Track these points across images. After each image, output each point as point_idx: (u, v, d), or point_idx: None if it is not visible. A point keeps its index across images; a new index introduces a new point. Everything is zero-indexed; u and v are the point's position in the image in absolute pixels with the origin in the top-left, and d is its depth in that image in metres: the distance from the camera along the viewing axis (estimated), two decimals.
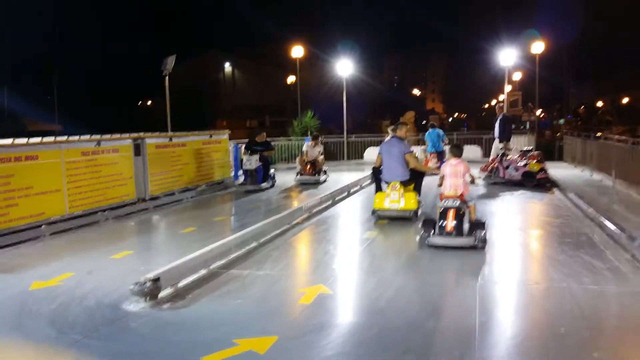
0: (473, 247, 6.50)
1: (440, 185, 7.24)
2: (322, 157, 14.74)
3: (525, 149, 14.38)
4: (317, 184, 13.75)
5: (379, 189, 9.09)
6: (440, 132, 16.15)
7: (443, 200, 6.91)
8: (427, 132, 16.19)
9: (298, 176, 14.05)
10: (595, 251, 6.43)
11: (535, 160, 12.55)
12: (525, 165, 12.41)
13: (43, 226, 8.18)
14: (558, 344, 3.91)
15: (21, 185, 8.04)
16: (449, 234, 6.65)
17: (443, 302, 4.78)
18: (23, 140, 8.39)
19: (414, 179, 8.82)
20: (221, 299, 5.05)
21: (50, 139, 9.13)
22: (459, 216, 6.70)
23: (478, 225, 6.72)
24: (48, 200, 8.48)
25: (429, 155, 15.75)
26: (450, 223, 6.66)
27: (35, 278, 5.84)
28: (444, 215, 6.76)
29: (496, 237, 7.45)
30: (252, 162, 12.64)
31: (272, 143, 15.67)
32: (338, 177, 15.11)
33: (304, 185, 13.64)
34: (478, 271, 5.70)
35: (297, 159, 15.06)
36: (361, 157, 21.11)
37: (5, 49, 36.30)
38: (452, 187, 7.03)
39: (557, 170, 14.38)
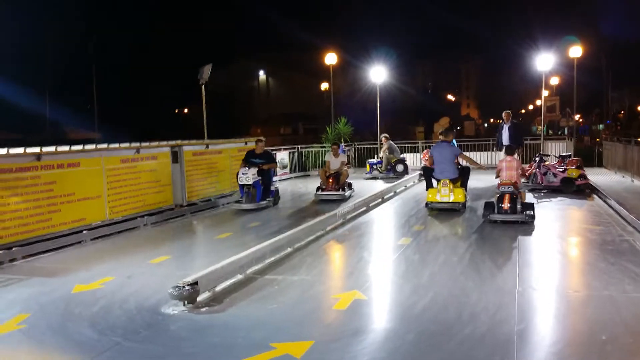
0: (524, 222, 8.46)
1: (497, 177, 9.38)
2: (346, 168, 12.57)
3: (563, 154, 14.11)
4: (340, 200, 11.52)
5: (429, 185, 10.44)
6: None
7: (501, 187, 8.80)
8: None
9: (318, 191, 12.08)
10: (638, 258, 6.26)
11: (574, 166, 12.29)
12: (564, 171, 12.17)
13: (84, 231, 8.41)
14: (599, 351, 3.83)
15: (63, 191, 8.29)
16: (505, 212, 8.56)
17: (481, 309, 4.72)
18: (66, 148, 8.66)
19: (461, 177, 10.22)
20: (257, 303, 5.10)
21: (92, 146, 9.40)
22: (513, 199, 8.65)
23: (528, 206, 8.74)
24: (89, 206, 8.72)
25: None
26: (506, 204, 8.59)
27: (77, 282, 6.01)
28: (501, 198, 8.71)
29: (535, 244, 7.36)
30: (248, 176, 10.85)
31: (305, 149, 15.48)
32: (372, 183, 15.09)
33: (323, 203, 11.50)
34: (517, 278, 5.62)
35: (319, 172, 13.02)
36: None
37: (45, 58, 37.50)
38: (507, 177, 9.08)
39: (596, 176, 14.05)
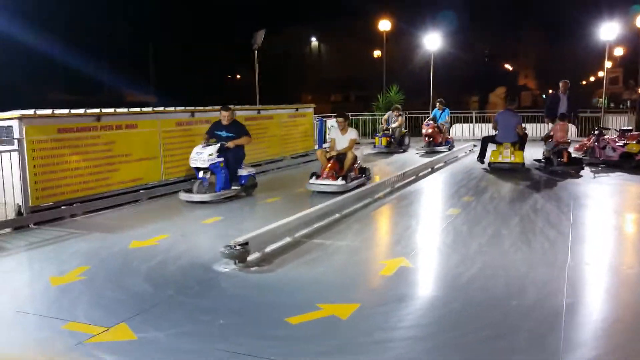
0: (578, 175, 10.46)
1: (546, 140, 11.76)
2: (359, 151, 10.09)
3: (624, 128, 13.54)
4: (341, 193, 8.30)
5: (482, 155, 11.97)
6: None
7: (558, 145, 11.04)
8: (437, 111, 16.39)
9: (311, 179, 9.06)
10: None
11: (635, 141, 11.79)
12: (623, 145, 11.70)
13: (141, 190, 8.73)
14: None
15: (122, 151, 8.60)
16: (565, 164, 10.80)
17: (529, 281, 4.67)
18: (124, 110, 8.95)
19: (520, 142, 11.61)
20: (305, 266, 5.21)
21: (149, 109, 9.66)
22: (569, 153, 11.02)
23: (577, 160, 11.22)
24: (146, 166, 9.02)
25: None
26: (565, 157, 10.87)
27: (134, 238, 6.29)
28: (560, 153, 10.97)
29: (590, 219, 7.17)
30: (203, 156, 8.22)
31: (355, 118, 14.90)
32: (407, 157, 14.96)
33: (318, 196, 8.65)
34: (568, 252, 5.51)
35: (317, 153, 9.94)
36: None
37: (104, 24, 38.37)
38: (562, 137, 11.26)
39: None
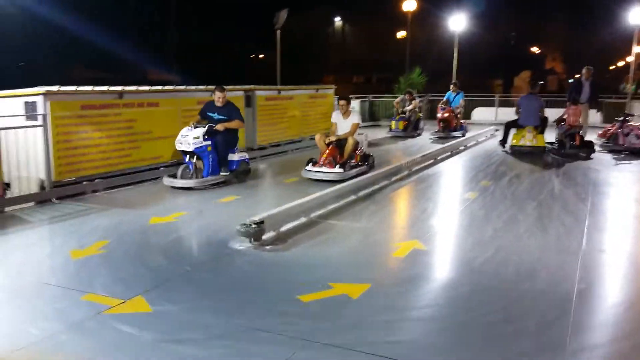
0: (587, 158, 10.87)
1: (559, 123, 11.93)
2: (362, 136, 9.34)
3: None
4: (339, 181, 7.67)
5: (505, 140, 12.25)
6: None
7: (571, 129, 11.40)
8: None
9: (308, 166, 8.52)
10: None
11: None
12: None
13: (161, 168, 8.86)
14: None
15: (143, 129, 8.72)
16: (577, 147, 11.15)
17: (542, 267, 4.67)
18: (146, 88, 9.05)
19: (542, 126, 11.85)
20: (319, 246, 5.28)
21: (170, 87, 9.75)
22: (581, 137, 11.36)
23: (589, 143, 11.46)
24: (166, 144, 9.13)
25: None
26: (576, 140, 11.22)
27: (153, 214, 6.42)
28: (572, 136, 11.31)
29: (608, 207, 7.11)
30: (188, 138, 7.74)
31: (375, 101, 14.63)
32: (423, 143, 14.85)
33: (314, 185, 7.94)
34: (583, 239, 5.48)
35: (316, 138, 9.05)
36: (468, 117, 20.48)
37: (129, 2, 38.54)
38: (574, 121, 11.58)
39: None
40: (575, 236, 5.58)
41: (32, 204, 6.94)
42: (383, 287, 4.24)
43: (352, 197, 7.20)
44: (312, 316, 3.70)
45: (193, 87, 9.99)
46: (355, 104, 18.11)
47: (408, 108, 15.38)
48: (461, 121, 15.38)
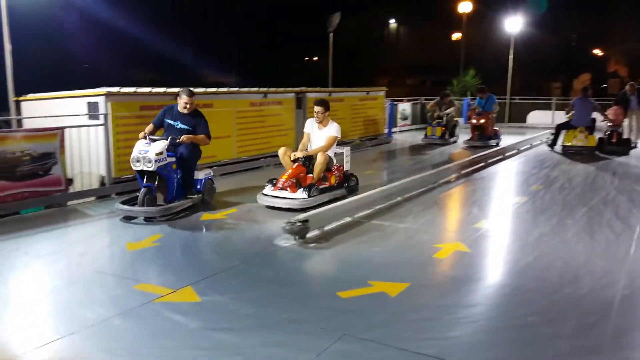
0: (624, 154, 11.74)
1: (602, 120, 12.53)
2: (346, 153, 7.77)
3: None
4: (300, 210, 6.34)
5: (554, 143, 12.68)
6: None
7: (611, 128, 12.27)
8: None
9: (266, 189, 6.88)
10: None
11: None
12: None
13: (214, 167, 9.17)
14: None
15: None
16: (614, 144, 12.07)
17: (585, 272, 4.61)
18: (201, 89, 9.40)
19: (592, 127, 12.24)
20: (361, 245, 5.39)
21: (224, 89, 10.09)
22: (619, 134, 12.25)
23: (627, 141, 12.28)
24: (220, 144, 9.45)
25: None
26: (614, 138, 12.12)
27: (205, 211, 6.70)
28: (610, 135, 12.19)
29: None
30: (149, 154, 6.07)
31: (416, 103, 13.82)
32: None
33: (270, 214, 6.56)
34: (632, 245, 5.36)
35: (279, 152, 7.23)
36: (523, 120, 20.07)
37: (189, 7, 39.70)
38: (617, 121, 12.29)
39: None
40: (624, 243, 5.46)
41: (93, 198, 7.37)
42: (422, 287, 4.31)
43: (399, 199, 7.27)
44: (350, 311, 3.82)
45: (246, 89, 10.29)
46: (407, 106, 18.02)
47: (447, 111, 14.15)
48: (495, 128, 14.03)
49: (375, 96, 14.29)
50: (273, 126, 10.75)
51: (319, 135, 7.21)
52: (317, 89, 12.52)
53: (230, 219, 6.41)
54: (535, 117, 19.91)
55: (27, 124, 7.92)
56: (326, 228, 5.80)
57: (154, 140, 6.23)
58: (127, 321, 3.66)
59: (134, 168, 6.20)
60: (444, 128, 13.87)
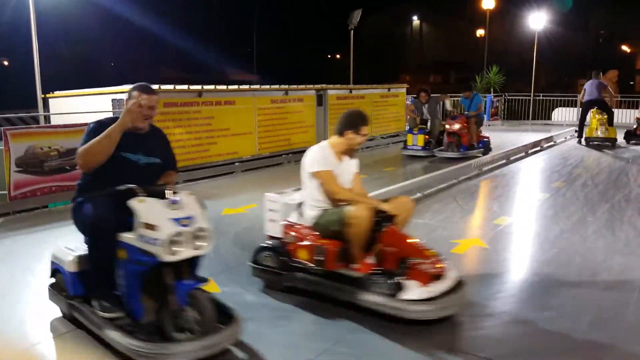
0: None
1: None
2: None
3: None
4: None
5: (580, 135, 13.28)
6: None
7: (638, 121, 13.17)
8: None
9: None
10: None
11: None
12: None
13: (236, 163, 9.33)
14: None
15: (220, 126, 9.22)
16: (637, 136, 12.89)
17: (604, 269, 4.61)
18: (223, 87, 9.56)
19: (609, 117, 12.58)
20: None
21: (246, 87, 10.23)
22: None
23: None
24: (241, 141, 9.61)
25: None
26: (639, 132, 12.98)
27: (226, 205, 6.84)
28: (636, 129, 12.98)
29: None
30: (199, 223, 3.29)
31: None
32: (517, 136, 14.54)
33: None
34: None
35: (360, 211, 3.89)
36: (548, 117, 19.84)
37: (213, 8, 40.12)
38: None
39: None
40: None
41: None
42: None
43: (418, 195, 7.30)
44: None
45: (267, 87, 10.42)
46: None
47: (447, 108, 12.12)
48: (483, 135, 11.41)
49: (396, 93, 14.30)
50: (294, 123, 10.85)
51: (344, 171, 4.39)
52: (338, 86, 12.58)
53: (251, 213, 6.53)
54: (560, 114, 19.68)
55: (55, 120, 8.15)
56: None
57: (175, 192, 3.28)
58: None
59: (171, 258, 3.09)
60: (427, 136, 11.01)
